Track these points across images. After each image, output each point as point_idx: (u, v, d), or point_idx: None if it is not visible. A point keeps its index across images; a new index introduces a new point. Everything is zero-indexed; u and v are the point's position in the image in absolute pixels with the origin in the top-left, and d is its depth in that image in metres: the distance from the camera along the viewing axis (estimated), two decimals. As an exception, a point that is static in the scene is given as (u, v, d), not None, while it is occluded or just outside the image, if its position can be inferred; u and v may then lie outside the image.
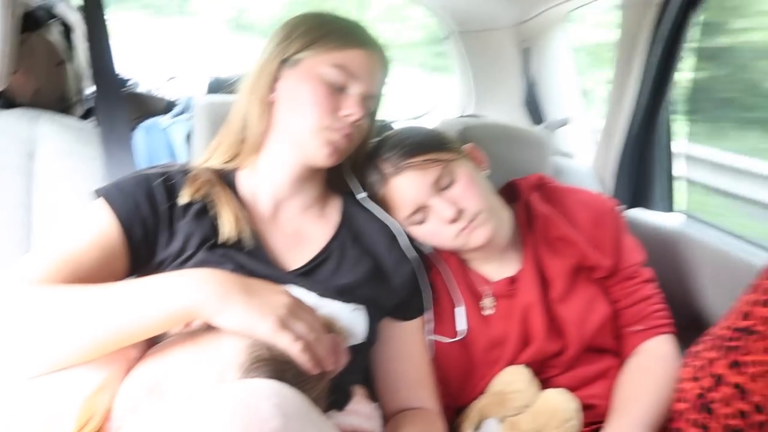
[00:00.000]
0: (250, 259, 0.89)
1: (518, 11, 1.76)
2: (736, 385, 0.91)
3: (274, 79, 0.94)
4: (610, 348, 1.09)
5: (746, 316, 0.92)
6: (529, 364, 1.04)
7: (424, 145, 1.03)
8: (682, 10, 1.26)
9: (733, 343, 0.93)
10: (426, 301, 1.05)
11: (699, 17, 1.29)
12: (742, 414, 0.91)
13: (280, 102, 0.94)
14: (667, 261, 1.26)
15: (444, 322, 1.07)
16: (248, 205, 0.97)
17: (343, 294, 0.91)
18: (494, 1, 1.78)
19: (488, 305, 1.09)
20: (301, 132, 0.92)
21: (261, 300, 0.72)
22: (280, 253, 0.94)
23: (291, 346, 0.70)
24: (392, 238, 1.01)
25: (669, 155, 1.44)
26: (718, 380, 0.93)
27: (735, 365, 0.92)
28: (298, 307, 0.74)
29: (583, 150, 1.79)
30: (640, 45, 1.34)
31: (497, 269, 1.11)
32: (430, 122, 1.54)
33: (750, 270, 0.96)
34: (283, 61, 0.94)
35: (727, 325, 0.95)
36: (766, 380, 0.88)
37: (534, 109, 1.83)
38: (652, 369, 1.04)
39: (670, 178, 1.45)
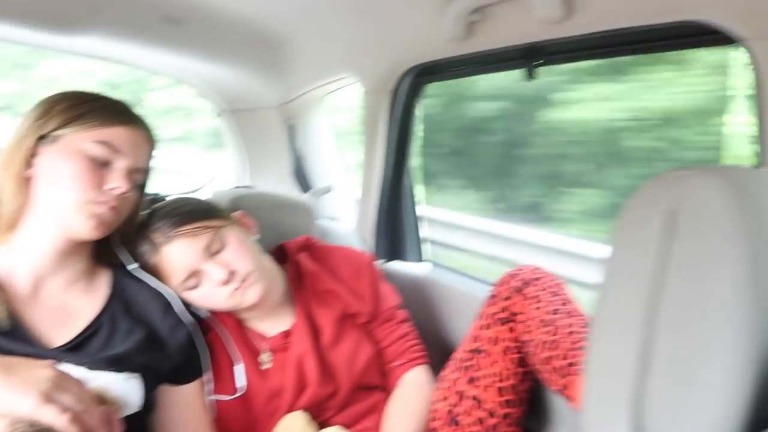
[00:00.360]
0: (8, 340, 0.84)
1: (281, 93, 1.93)
2: (474, 398, 1.11)
3: (32, 155, 0.93)
4: (378, 384, 1.22)
5: (475, 339, 1.14)
6: (306, 409, 1.12)
7: (194, 214, 1.08)
8: (409, 98, 1.54)
9: (468, 363, 1.13)
10: (204, 363, 1.08)
11: (422, 104, 1.59)
12: (480, 420, 1.11)
13: (39, 178, 0.93)
14: (420, 302, 1.47)
15: (224, 380, 1.10)
16: (3, 285, 0.91)
17: (115, 364, 0.90)
18: (259, 84, 1.93)
19: (266, 360, 1.16)
20: (63, 206, 0.91)
21: (20, 377, 0.70)
22: (43, 331, 0.90)
23: (57, 419, 0.69)
24: (166, 305, 1.03)
25: (415, 216, 1.70)
26: (461, 396, 1.13)
27: (471, 381, 1.12)
28: (63, 380, 0.73)
29: (346, 213, 2.00)
30: (380, 125, 1.59)
31: (273, 325, 1.19)
32: (205, 194, 1.59)
33: (478, 302, 1.17)
34: (41, 138, 0.93)
35: (463, 348, 1.16)
36: (494, 389, 1.10)
37: (302, 179, 1.99)
38: (411, 397, 1.20)
39: (417, 235, 1.70)
